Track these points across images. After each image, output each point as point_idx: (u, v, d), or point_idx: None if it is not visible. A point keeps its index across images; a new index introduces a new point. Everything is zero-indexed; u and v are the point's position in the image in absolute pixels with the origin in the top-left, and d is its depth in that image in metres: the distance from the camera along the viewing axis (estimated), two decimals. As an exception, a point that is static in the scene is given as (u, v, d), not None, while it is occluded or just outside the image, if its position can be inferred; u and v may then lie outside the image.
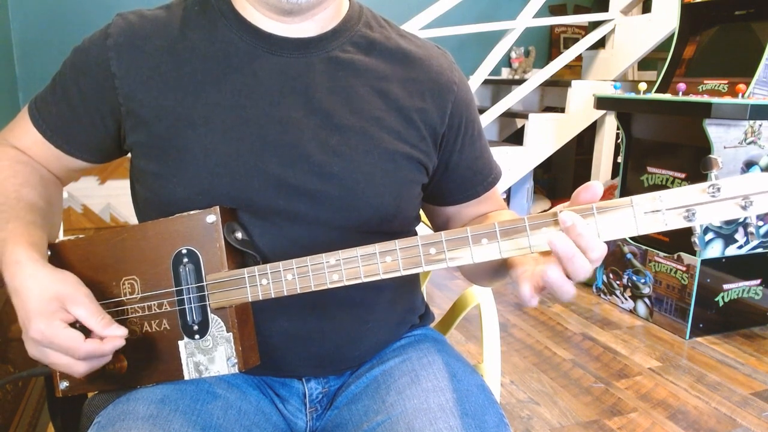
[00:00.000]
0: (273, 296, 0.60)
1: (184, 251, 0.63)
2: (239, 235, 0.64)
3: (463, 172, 0.78)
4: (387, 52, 0.73)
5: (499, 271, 0.67)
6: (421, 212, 0.87)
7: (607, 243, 0.53)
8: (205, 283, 0.63)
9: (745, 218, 0.50)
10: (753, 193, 0.48)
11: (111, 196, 2.66)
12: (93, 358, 0.59)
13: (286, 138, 0.66)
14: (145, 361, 0.66)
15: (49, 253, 0.67)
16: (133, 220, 0.74)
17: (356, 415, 0.70)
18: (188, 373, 0.64)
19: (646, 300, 2.32)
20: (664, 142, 2.31)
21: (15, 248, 0.60)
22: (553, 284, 0.53)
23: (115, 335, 0.59)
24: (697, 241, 0.52)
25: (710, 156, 0.50)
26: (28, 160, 0.73)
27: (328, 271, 0.58)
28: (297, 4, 0.65)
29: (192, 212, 0.64)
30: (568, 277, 0.54)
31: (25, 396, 1.41)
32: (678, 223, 0.50)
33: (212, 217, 0.63)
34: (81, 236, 0.69)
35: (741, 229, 2.15)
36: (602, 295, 2.54)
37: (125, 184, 2.76)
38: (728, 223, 2.12)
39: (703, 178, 0.51)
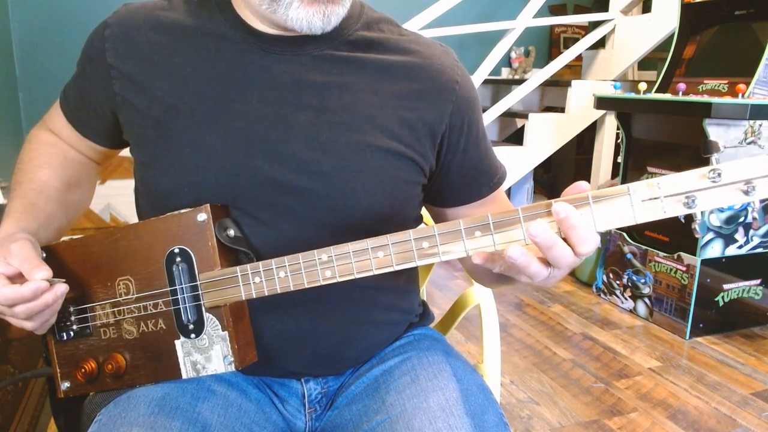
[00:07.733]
0: (267, 294, 0.60)
1: (177, 250, 0.63)
2: (231, 232, 0.64)
3: (468, 173, 0.76)
4: (385, 51, 0.72)
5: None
6: (426, 214, 0.86)
7: (608, 242, 0.52)
8: (198, 283, 0.62)
9: (748, 204, 0.47)
10: (756, 177, 0.46)
11: (111, 196, 2.66)
12: (21, 304, 0.59)
13: (274, 134, 0.66)
14: (142, 360, 0.66)
15: (44, 254, 0.67)
16: (133, 220, 0.74)
17: (356, 415, 0.70)
18: (186, 372, 0.64)
19: (646, 300, 2.32)
20: (664, 142, 2.30)
21: (5, 224, 0.68)
22: (515, 262, 0.51)
23: (35, 278, 0.59)
24: (697, 228, 0.50)
25: (711, 139, 0.48)
26: (57, 142, 0.79)
27: (321, 268, 0.58)
28: (300, 29, 0.65)
29: (183, 211, 0.63)
30: (548, 264, 0.53)
31: (25, 396, 1.40)
32: (677, 210, 0.48)
33: (203, 215, 0.62)
34: (75, 237, 0.69)
35: (741, 229, 2.15)
36: (602, 295, 2.54)
37: (125, 184, 2.76)
38: (728, 222, 2.11)
39: None
